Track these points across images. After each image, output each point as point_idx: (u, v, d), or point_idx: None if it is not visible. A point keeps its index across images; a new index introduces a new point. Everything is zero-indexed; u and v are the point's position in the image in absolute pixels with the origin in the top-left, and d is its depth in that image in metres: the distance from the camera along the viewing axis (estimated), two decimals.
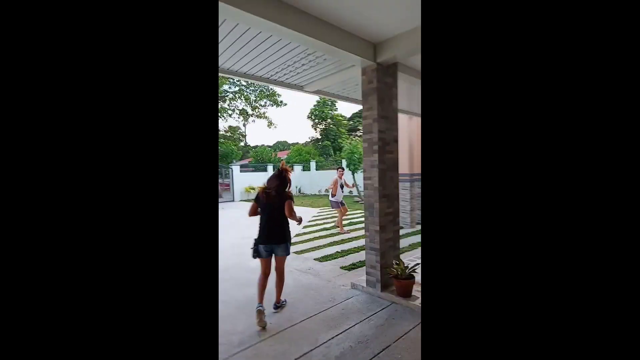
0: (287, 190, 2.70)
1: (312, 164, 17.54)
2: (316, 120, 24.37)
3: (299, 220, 2.74)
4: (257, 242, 2.65)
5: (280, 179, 2.68)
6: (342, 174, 6.67)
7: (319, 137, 24.50)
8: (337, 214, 7.07)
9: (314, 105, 24.34)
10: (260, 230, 2.67)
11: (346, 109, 47.68)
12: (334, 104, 24.51)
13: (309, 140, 26.29)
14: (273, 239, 2.62)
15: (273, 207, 2.63)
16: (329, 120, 23.91)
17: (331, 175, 15.81)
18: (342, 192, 6.56)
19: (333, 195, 6.49)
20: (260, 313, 2.51)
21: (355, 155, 11.65)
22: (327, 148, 22.40)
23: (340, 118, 24.41)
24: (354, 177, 12.18)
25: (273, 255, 2.70)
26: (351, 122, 26.03)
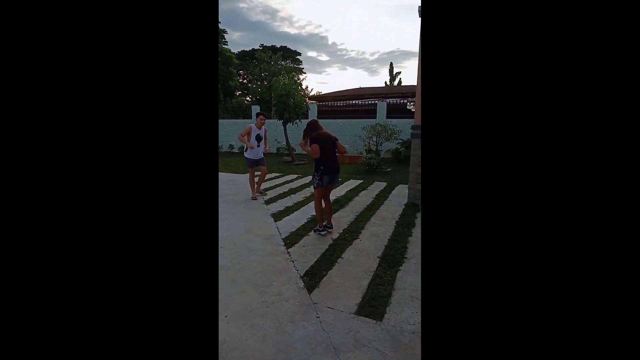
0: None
1: None
2: None
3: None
4: (323, 173, 3.21)
5: (319, 125, 3.38)
6: (264, 122, 4.78)
7: None
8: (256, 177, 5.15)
9: None
10: (325, 165, 3.21)
11: (233, 44, 40.66)
12: (223, 35, 19.16)
13: None
14: (337, 171, 3.32)
15: (330, 147, 3.23)
16: None
17: (234, 126, 12.03)
18: (260, 145, 4.74)
19: (246, 151, 4.72)
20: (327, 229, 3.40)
21: (292, 100, 8.31)
22: None
23: (231, 54, 19.46)
24: (285, 130, 8.92)
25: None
26: (239, 62, 21.31)
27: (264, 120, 4.74)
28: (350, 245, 3.10)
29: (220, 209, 4.29)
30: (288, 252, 2.94)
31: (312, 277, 2.46)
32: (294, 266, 2.66)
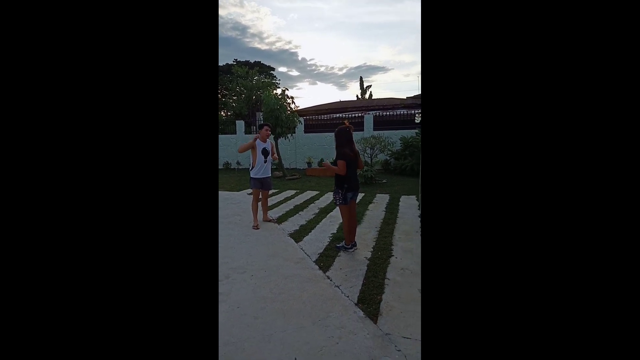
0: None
1: None
2: None
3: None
4: (347, 190, 3.09)
5: (351, 137, 3.19)
6: (269, 134, 4.24)
7: None
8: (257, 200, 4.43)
9: None
10: (349, 182, 3.09)
11: None
12: None
13: None
14: (358, 187, 3.25)
15: (353, 162, 3.14)
16: None
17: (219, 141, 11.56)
18: (267, 161, 4.16)
19: (252, 169, 4.13)
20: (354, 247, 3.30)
21: (283, 114, 8.13)
22: None
23: None
24: (277, 145, 8.70)
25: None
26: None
27: (269, 131, 4.27)
28: (389, 264, 2.94)
29: (232, 232, 3.98)
30: (328, 277, 2.72)
31: (369, 304, 2.26)
32: (342, 292, 2.45)
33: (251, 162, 4.19)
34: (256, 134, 4.15)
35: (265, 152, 4.15)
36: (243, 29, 42.65)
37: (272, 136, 7.74)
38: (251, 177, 4.19)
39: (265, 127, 4.22)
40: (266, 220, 4.45)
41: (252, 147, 4.09)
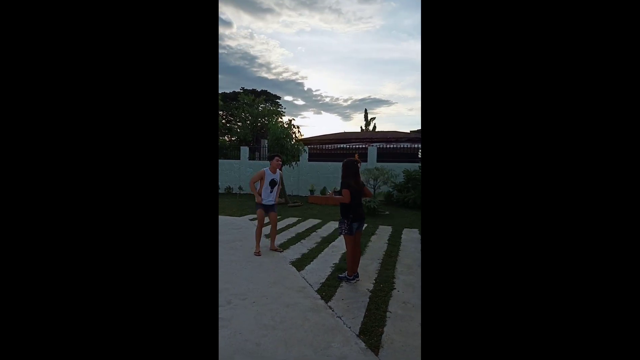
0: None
1: None
2: None
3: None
4: (353, 220, 3.17)
5: (357, 170, 3.31)
6: (280, 164, 4.36)
7: None
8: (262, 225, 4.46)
9: None
10: (354, 212, 3.17)
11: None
12: None
13: None
14: (363, 217, 3.32)
15: (359, 193, 3.25)
16: None
17: (220, 166, 11.75)
18: (273, 192, 4.29)
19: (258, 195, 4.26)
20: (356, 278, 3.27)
21: (289, 143, 8.36)
22: None
23: None
24: (281, 174, 8.84)
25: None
26: (222, 103, 21.51)
27: (280, 162, 4.35)
28: (391, 297, 2.94)
29: (233, 257, 4.00)
30: (330, 307, 2.71)
31: (370, 336, 2.25)
32: (344, 323, 2.44)
33: (257, 188, 4.26)
34: (259, 159, 4.30)
35: (272, 183, 4.23)
36: (251, 59, 44.47)
37: None
38: (256, 202, 4.27)
39: (276, 158, 4.28)
40: (273, 249, 4.39)
41: (261, 178, 4.19)
